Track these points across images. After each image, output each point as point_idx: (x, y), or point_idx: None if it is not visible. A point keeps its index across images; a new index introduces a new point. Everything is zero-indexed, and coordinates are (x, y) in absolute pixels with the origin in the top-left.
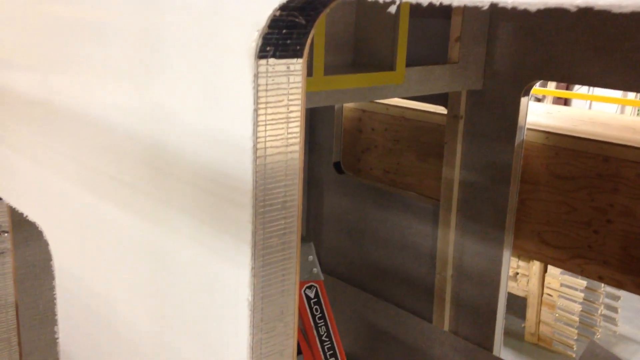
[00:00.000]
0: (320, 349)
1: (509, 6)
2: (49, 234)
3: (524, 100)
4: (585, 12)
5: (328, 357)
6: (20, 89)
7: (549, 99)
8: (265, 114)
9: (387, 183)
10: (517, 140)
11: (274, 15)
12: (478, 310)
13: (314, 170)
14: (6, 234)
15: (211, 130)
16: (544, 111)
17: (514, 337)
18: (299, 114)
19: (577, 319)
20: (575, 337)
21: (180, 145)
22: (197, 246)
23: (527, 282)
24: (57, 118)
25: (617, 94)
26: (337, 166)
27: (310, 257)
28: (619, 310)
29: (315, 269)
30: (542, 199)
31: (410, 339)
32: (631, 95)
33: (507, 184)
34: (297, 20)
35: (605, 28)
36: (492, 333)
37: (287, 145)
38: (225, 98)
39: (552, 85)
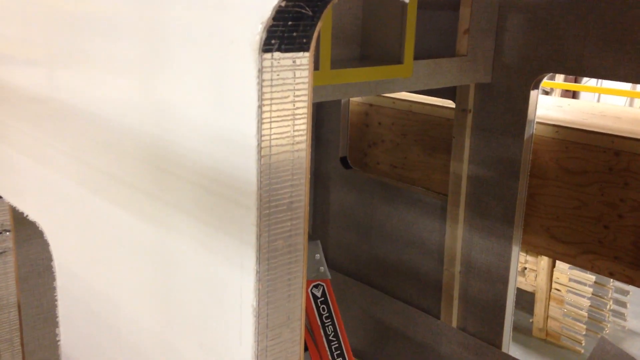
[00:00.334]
0: (327, 349)
1: None
2: (49, 234)
3: (533, 93)
4: (597, 3)
5: (335, 357)
6: (21, 85)
7: (557, 91)
8: (270, 111)
9: (394, 178)
10: (527, 134)
11: (279, 6)
12: (486, 306)
13: (320, 165)
14: (7, 233)
15: (214, 128)
16: (554, 104)
17: (522, 332)
18: (305, 110)
19: (585, 314)
20: (584, 333)
21: (182, 144)
22: (199, 249)
23: (535, 277)
24: (58, 115)
25: (626, 86)
26: (344, 161)
27: (317, 256)
28: (628, 305)
29: (322, 268)
30: (552, 193)
31: (418, 335)
32: None
33: (516, 179)
34: (303, 11)
35: (617, 19)
36: (500, 330)
37: (293, 144)
38: (228, 94)
39: (560, 77)
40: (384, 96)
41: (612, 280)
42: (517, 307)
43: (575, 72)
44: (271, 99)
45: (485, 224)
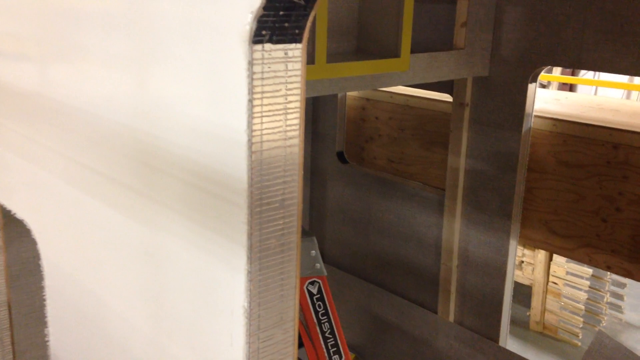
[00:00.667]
0: (323, 346)
1: None
2: (37, 233)
3: (531, 86)
4: None
5: (332, 354)
6: (8, 81)
7: (554, 84)
8: (262, 105)
9: (392, 172)
10: (524, 128)
11: None
12: (484, 301)
13: (317, 160)
14: None
15: (203, 123)
16: (551, 97)
17: (519, 325)
18: (298, 104)
19: (582, 307)
20: (581, 326)
21: (171, 140)
22: (190, 248)
23: (533, 271)
24: (46, 112)
25: (623, 78)
26: (341, 156)
27: (313, 252)
28: (625, 297)
29: (318, 264)
30: (550, 187)
31: (415, 329)
32: (638, 80)
33: (514, 173)
34: (295, 0)
35: (616, 11)
36: (497, 324)
37: (285, 139)
38: (217, 88)
39: (557, 70)
40: (381, 90)
41: (609, 273)
42: (514, 301)
43: (574, 64)
44: (262, 92)
45: (483, 218)
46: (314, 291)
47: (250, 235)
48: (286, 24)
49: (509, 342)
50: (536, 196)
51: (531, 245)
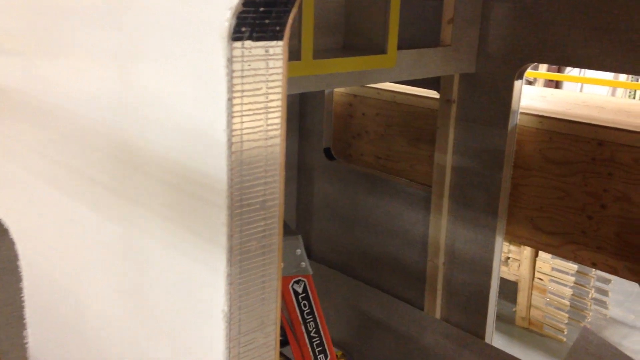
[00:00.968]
0: (308, 345)
1: None
2: (15, 233)
3: (517, 83)
4: None
5: (317, 353)
6: None
7: (540, 81)
8: (242, 104)
9: (379, 169)
10: (511, 125)
11: None
12: (470, 297)
13: (303, 156)
14: None
15: (182, 122)
16: (537, 94)
17: (505, 321)
18: (279, 102)
19: (568, 303)
20: (566, 321)
21: (149, 139)
22: (169, 249)
23: (518, 267)
24: (23, 109)
25: (608, 75)
26: (328, 152)
27: (298, 251)
28: (610, 293)
29: (303, 263)
30: (536, 184)
31: (402, 327)
32: (623, 77)
33: (500, 170)
34: None
35: (603, 8)
36: (484, 320)
37: (266, 139)
38: (197, 86)
39: (543, 67)
40: (368, 87)
41: (593, 269)
42: (500, 297)
43: (560, 62)
44: (242, 90)
45: (469, 214)
46: (299, 290)
47: (230, 237)
48: (267, 21)
49: (495, 338)
50: (522, 193)
51: (517, 242)
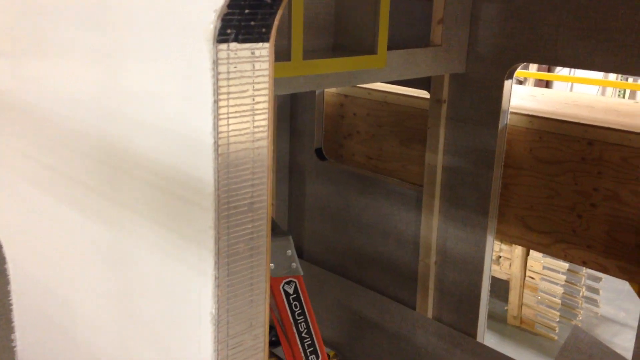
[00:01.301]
0: (299, 346)
1: None
2: (2, 236)
3: (507, 83)
4: None
5: (308, 354)
6: None
7: (530, 81)
8: (228, 106)
9: (370, 169)
10: (501, 125)
11: None
12: (461, 296)
13: (295, 157)
14: None
15: (168, 124)
16: (527, 94)
17: (497, 320)
18: (266, 105)
19: (559, 301)
20: (557, 320)
21: (136, 141)
22: (156, 252)
23: (510, 265)
24: (7, 111)
25: (598, 75)
26: (319, 152)
27: (289, 252)
28: (600, 291)
29: (294, 264)
30: (526, 183)
31: (394, 326)
32: (612, 76)
33: (491, 169)
34: None
35: (592, 8)
36: (475, 319)
37: (253, 141)
38: (183, 88)
39: (533, 67)
40: (359, 87)
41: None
42: (492, 295)
43: (550, 61)
44: (228, 93)
45: (460, 214)
46: (290, 291)
47: (217, 240)
48: (252, 23)
49: (487, 337)
50: (513, 192)
51: (508, 241)
